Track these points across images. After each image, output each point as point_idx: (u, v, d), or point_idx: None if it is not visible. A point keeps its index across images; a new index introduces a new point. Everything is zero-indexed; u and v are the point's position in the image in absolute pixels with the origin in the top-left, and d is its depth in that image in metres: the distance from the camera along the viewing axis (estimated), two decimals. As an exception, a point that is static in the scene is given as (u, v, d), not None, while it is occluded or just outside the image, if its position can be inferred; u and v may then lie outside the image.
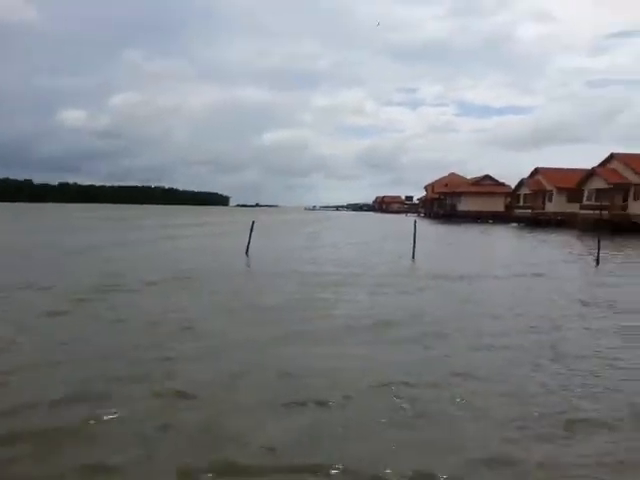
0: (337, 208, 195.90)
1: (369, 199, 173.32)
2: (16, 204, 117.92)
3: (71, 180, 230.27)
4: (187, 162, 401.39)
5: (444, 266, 14.87)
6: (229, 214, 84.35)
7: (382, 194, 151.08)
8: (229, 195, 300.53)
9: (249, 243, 17.64)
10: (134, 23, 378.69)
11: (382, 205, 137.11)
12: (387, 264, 15.08)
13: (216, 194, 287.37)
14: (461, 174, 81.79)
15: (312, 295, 9.82)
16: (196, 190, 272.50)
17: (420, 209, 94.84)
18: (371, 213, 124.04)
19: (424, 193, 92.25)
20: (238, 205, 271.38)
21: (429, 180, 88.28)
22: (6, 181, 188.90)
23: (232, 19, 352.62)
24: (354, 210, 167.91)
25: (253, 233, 17.93)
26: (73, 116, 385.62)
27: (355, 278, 12.02)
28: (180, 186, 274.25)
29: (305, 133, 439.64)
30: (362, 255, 17.84)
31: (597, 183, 41.01)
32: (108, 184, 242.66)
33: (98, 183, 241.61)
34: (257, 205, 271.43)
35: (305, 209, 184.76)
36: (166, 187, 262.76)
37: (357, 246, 22.44)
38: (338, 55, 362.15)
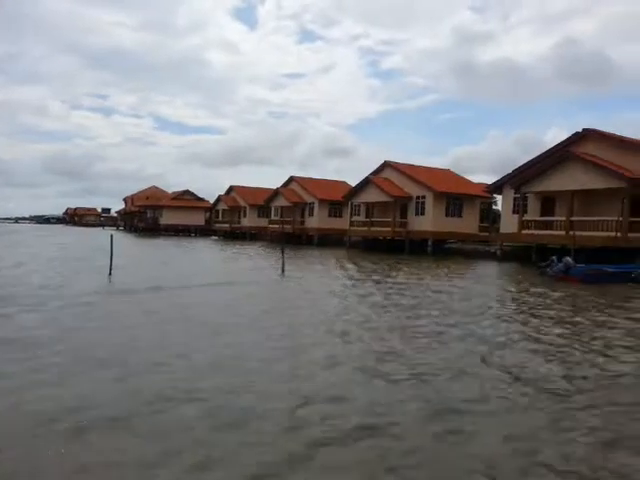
0: (17, 220, 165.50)
1: (58, 210, 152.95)
2: None
3: None
4: None
5: (144, 278, 14.24)
6: None
7: (74, 205, 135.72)
8: None
9: None
10: None
11: (74, 217, 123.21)
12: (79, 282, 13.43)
13: None
14: (162, 188, 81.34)
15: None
16: None
17: (120, 222, 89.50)
18: (61, 226, 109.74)
19: (123, 205, 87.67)
20: None
21: (129, 192, 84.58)
22: None
23: None
24: (39, 223, 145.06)
25: None
26: None
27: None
28: None
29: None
30: (52, 274, 15.39)
31: (281, 201, 47.27)
32: None
33: None
34: None
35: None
36: None
37: (50, 263, 19.33)
38: (10, 46, 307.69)
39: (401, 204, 34.20)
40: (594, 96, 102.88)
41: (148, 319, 8.91)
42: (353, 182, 41.51)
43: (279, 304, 11.28)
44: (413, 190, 33.86)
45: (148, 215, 67.44)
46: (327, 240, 42.57)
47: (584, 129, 24.04)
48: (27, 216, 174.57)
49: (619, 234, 20.60)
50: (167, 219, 64.18)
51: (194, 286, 13.89)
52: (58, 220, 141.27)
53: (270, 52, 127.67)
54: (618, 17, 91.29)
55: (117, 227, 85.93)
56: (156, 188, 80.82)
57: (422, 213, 33.37)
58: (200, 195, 70.07)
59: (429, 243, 32.12)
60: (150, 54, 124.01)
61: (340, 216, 43.72)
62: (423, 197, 33.34)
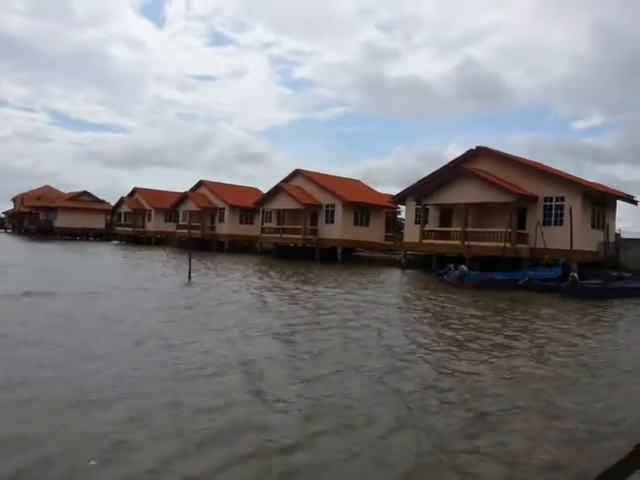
0: None
1: None
2: None
3: None
4: None
5: (17, 285, 12.95)
6: None
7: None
8: None
9: None
10: None
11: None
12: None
13: None
14: (57, 187, 75.23)
15: None
16: None
17: (7, 224, 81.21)
18: None
19: (11, 206, 79.81)
20: None
21: (18, 192, 77.09)
22: None
23: None
24: None
25: None
26: None
27: None
28: None
29: None
30: None
31: (190, 206, 45.80)
32: None
33: None
34: None
35: None
36: None
37: None
38: None
39: (312, 212, 34.69)
40: (490, 115, 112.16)
41: None
42: (265, 189, 41.51)
43: (176, 312, 10.82)
44: (323, 198, 34.51)
45: (41, 217, 61.80)
46: (238, 246, 41.97)
47: (477, 147, 26.14)
48: None
49: (508, 244, 22.57)
50: (62, 222, 59.28)
51: (85, 293, 12.87)
52: None
53: (179, 52, 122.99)
54: (506, 45, 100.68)
55: (5, 230, 78.01)
56: (50, 188, 74.45)
57: (332, 221, 34.10)
58: (100, 197, 65.74)
59: (339, 251, 32.88)
60: (45, 44, 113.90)
61: (251, 222, 43.34)
62: (333, 206, 34.10)
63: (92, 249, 38.12)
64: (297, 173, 37.13)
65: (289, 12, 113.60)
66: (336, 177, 38.71)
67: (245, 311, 11.11)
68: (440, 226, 26.83)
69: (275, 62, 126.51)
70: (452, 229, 25.84)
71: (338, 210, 33.76)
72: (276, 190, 36.85)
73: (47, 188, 74.29)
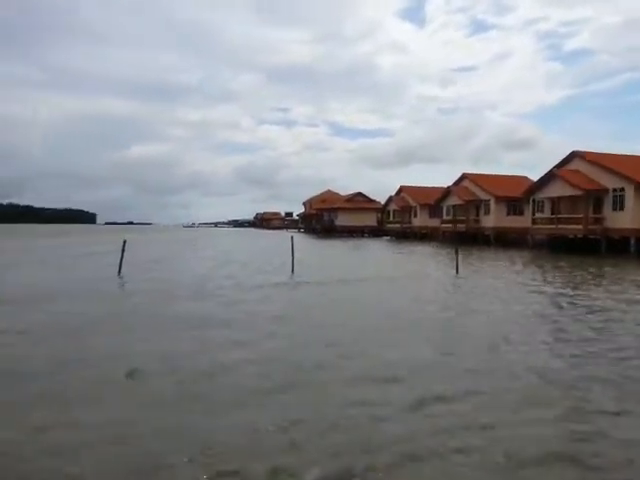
0: (216, 225, 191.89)
1: (249, 215, 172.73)
2: None
3: None
4: (43, 176, 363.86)
5: (319, 274, 15.45)
6: (98, 234, 77.87)
7: (262, 210, 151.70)
8: (95, 212, 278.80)
9: (121, 263, 16.63)
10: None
11: (262, 221, 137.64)
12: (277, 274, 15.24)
13: (81, 211, 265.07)
14: (336, 191, 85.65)
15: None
16: (57, 207, 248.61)
17: (300, 225, 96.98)
18: (252, 229, 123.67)
19: (303, 209, 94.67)
20: (107, 223, 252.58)
21: (307, 196, 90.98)
22: None
23: (87, 27, 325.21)
24: (235, 226, 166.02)
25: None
26: None
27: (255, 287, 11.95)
28: (37, 203, 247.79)
29: (177, 148, 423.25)
30: (253, 267, 17.75)
31: (453, 200, 45.83)
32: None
33: None
34: (130, 223, 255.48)
35: (184, 227, 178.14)
36: (20, 204, 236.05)
37: (247, 260, 22.45)
38: (207, 70, 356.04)
39: (594, 198, 30.31)
40: None
41: (321, 300, 9.84)
42: (534, 176, 38.33)
43: (445, 304, 11.11)
44: (609, 182, 29.72)
45: (325, 217, 71.82)
46: (505, 240, 39.97)
47: None
48: (225, 221, 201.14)
49: None
50: (342, 221, 67.44)
51: (372, 279, 14.51)
52: (249, 224, 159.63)
53: (439, 48, 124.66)
54: None
55: (298, 229, 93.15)
56: (331, 191, 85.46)
57: (621, 208, 29.06)
58: (372, 197, 72.06)
59: (631, 242, 27.81)
60: (323, 65, 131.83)
61: (520, 214, 40.56)
62: (622, 190, 29.02)
63: (368, 244, 42.31)
64: (574, 155, 32.94)
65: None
66: (624, 156, 32.75)
67: (528, 319, 9.37)
68: None
69: (542, 38, 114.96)
70: None
71: (629, 194, 28.54)
72: (549, 176, 33.53)
73: (329, 192, 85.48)
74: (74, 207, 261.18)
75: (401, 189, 59.75)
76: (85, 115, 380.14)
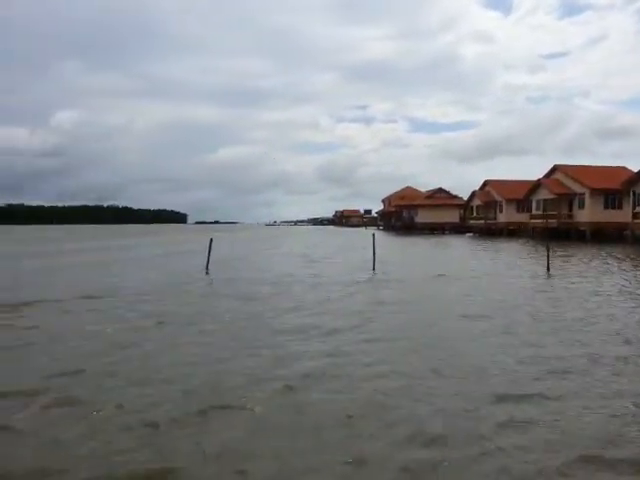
0: (295, 223, 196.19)
1: (329, 213, 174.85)
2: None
3: (15, 201, 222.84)
4: (140, 180, 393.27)
5: (413, 271, 15.29)
6: (193, 232, 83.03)
7: (341, 208, 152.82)
8: (186, 213, 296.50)
9: (208, 261, 17.65)
10: (71, 39, 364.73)
11: (342, 219, 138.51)
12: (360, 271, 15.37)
13: (173, 212, 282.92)
14: (416, 187, 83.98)
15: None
16: (152, 208, 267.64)
17: (379, 222, 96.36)
18: (331, 227, 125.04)
19: (381, 206, 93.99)
20: (197, 222, 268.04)
21: (386, 193, 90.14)
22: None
23: (175, 37, 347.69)
24: (315, 224, 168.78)
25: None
26: (10, 134, 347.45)
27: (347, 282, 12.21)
28: (134, 204, 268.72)
29: (260, 149, 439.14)
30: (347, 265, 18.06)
31: (543, 193, 43.13)
32: (59, 204, 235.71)
33: (47, 204, 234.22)
34: (217, 222, 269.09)
35: (266, 225, 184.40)
36: (120, 206, 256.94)
37: (335, 257, 23.22)
38: (287, 73, 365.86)
39: None
40: None
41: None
42: (635, 167, 34.98)
43: (541, 306, 10.47)
44: None
45: (404, 214, 70.72)
46: (603, 235, 36.94)
47: None
48: (305, 219, 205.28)
49: None
50: (422, 217, 66.03)
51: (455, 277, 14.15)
52: (329, 221, 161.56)
53: (527, 34, 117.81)
54: None
55: (377, 227, 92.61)
56: (410, 188, 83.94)
57: None
58: (453, 192, 69.84)
59: None
60: (402, 60, 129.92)
61: (619, 207, 37.30)
62: None
63: (450, 242, 41.07)
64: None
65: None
66: None
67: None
68: None
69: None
70: None
71: None
72: (654, 166, 30.51)
73: (408, 188, 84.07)
74: (167, 208, 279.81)
75: (485, 183, 57.27)
76: (176, 122, 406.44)
